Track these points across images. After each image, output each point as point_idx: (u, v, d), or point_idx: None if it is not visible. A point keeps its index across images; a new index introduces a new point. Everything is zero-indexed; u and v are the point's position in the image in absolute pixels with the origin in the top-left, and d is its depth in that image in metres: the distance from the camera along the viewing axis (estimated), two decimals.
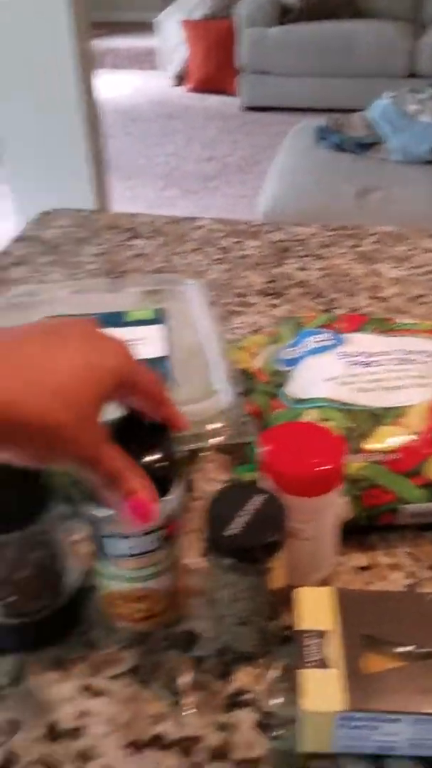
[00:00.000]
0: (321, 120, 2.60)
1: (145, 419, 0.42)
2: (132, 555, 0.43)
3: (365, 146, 2.35)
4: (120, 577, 0.45)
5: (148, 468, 0.40)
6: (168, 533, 0.43)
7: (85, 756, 0.41)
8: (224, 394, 0.56)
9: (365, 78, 3.98)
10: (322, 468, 0.43)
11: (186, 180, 3.56)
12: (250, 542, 0.41)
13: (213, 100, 4.63)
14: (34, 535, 0.44)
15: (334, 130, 2.43)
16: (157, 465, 0.41)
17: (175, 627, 0.48)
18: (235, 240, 0.99)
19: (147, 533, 0.42)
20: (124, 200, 3.27)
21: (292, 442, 0.45)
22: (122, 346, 0.39)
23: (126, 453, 0.39)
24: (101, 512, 0.42)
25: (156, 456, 0.41)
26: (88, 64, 2.03)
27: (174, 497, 0.43)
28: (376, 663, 0.40)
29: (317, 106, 3.98)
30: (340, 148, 2.39)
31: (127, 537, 0.42)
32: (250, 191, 3.35)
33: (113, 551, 0.43)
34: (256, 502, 0.42)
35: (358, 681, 0.39)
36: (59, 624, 0.48)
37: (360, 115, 2.46)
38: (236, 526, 0.41)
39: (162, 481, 0.41)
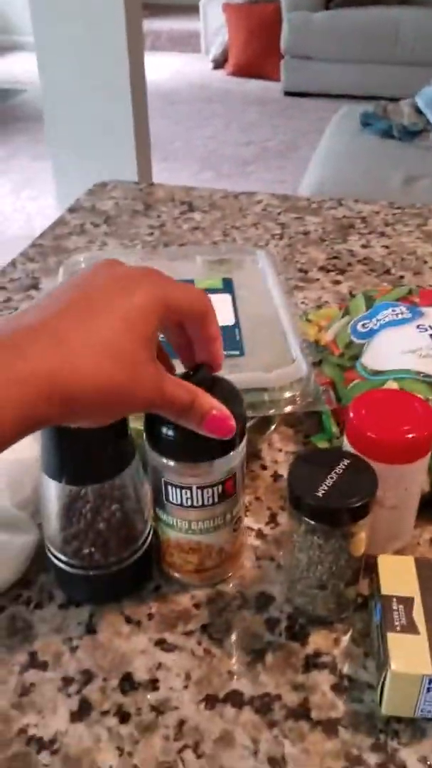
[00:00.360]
0: (363, 107, 2.57)
1: (210, 374, 0.42)
2: (188, 506, 0.44)
3: (412, 133, 2.31)
4: (175, 527, 0.45)
5: None
6: (226, 490, 0.44)
7: (159, 708, 0.42)
8: (299, 363, 0.56)
9: (409, 66, 3.92)
10: (413, 435, 0.42)
11: (223, 164, 3.54)
12: (339, 505, 0.41)
13: (253, 85, 4.60)
14: (112, 489, 0.44)
15: (380, 116, 2.40)
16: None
17: (247, 588, 0.48)
18: (295, 216, 0.98)
19: (205, 487, 0.43)
20: (160, 181, 3.26)
21: (381, 408, 0.44)
22: (150, 277, 0.38)
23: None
24: (163, 460, 0.42)
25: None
26: (137, 44, 2.03)
27: (234, 455, 0.43)
28: None
29: (359, 93, 3.94)
30: (386, 134, 2.35)
31: (185, 488, 0.43)
32: (289, 176, 3.33)
33: (171, 500, 0.44)
34: (344, 465, 0.42)
35: None
36: (131, 578, 0.48)
37: (408, 102, 2.42)
38: (324, 487, 0.41)
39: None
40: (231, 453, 0.42)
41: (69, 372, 0.32)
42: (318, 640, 0.45)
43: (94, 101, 2.06)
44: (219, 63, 4.89)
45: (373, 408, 0.44)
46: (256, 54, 4.55)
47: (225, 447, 0.42)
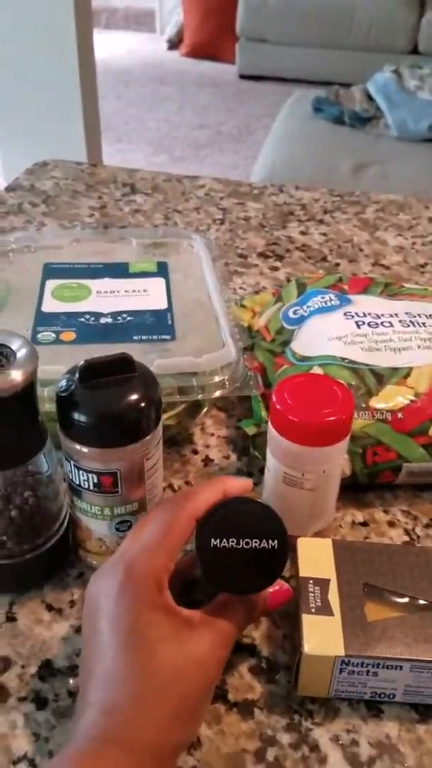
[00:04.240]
0: (317, 92, 2.57)
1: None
2: (96, 491, 0.43)
3: (363, 120, 2.33)
4: (87, 512, 0.45)
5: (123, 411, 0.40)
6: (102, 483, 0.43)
7: (77, 693, 0.41)
8: (229, 347, 0.56)
9: (364, 52, 3.94)
10: (333, 419, 0.43)
11: (176, 147, 3.50)
12: (248, 587, 0.39)
13: (208, 67, 4.55)
14: (24, 476, 0.43)
15: (332, 101, 2.41)
16: (131, 410, 0.41)
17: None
18: (237, 201, 0.98)
19: (106, 474, 0.42)
20: (112, 163, 3.21)
21: (303, 392, 0.45)
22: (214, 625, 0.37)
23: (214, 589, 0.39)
24: (74, 444, 0.41)
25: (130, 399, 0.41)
26: (86, 20, 1.98)
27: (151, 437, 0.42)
28: (375, 612, 0.40)
29: (313, 78, 3.94)
30: (337, 120, 2.37)
31: (91, 472, 0.42)
32: (242, 161, 3.32)
33: (84, 485, 0.43)
34: (260, 541, 0.38)
35: (358, 628, 0.39)
36: (47, 565, 0.47)
37: (360, 88, 2.44)
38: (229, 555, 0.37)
39: (135, 424, 0.41)
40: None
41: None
42: None
43: (41, 79, 2.01)
44: (174, 43, 4.82)
45: (295, 392, 0.45)
46: (212, 35, 4.50)
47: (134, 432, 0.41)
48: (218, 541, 0.37)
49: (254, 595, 0.39)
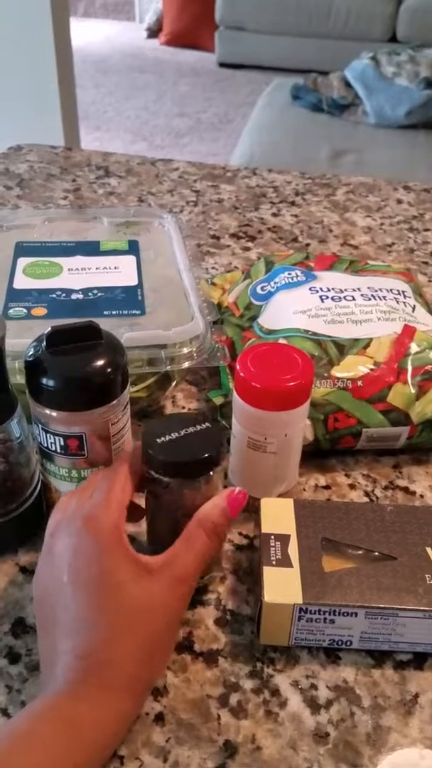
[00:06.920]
0: (295, 79, 2.58)
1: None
2: (63, 453, 0.45)
3: (342, 107, 2.34)
4: (56, 474, 0.46)
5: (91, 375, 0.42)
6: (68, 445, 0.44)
7: None
8: (197, 321, 0.57)
9: (343, 40, 3.94)
10: (292, 384, 0.45)
11: (156, 135, 3.50)
12: (185, 458, 0.41)
13: (187, 55, 4.53)
14: None
15: (310, 89, 2.42)
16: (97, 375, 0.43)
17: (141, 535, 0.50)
18: (210, 183, 0.99)
19: (72, 436, 0.44)
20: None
21: (265, 360, 0.47)
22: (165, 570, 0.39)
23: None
24: (43, 409, 0.43)
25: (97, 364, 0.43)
26: (62, 8, 1.97)
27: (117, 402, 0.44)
28: (332, 564, 0.42)
29: (292, 66, 3.94)
30: (316, 107, 2.38)
31: (58, 435, 0.44)
32: (222, 149, 3.32)
33: (51, 447, 0.45)
34: (194, 427, 0.42)
35: (315, 578, 0.41)
36: (19, 529, 0.49)
37: (338, 75, 2.45)
38: (173, 446, 0.41)
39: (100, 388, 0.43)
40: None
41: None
42: (205, 578, 0.47)
43: (17, 67, 2.00)
44: (153, 32, 4.80)
45: (258, 360, 0.47)
46: (191, 24, 4.48)
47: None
48: (163, 438, 0.41)
49: (206, 543, 0.40)
